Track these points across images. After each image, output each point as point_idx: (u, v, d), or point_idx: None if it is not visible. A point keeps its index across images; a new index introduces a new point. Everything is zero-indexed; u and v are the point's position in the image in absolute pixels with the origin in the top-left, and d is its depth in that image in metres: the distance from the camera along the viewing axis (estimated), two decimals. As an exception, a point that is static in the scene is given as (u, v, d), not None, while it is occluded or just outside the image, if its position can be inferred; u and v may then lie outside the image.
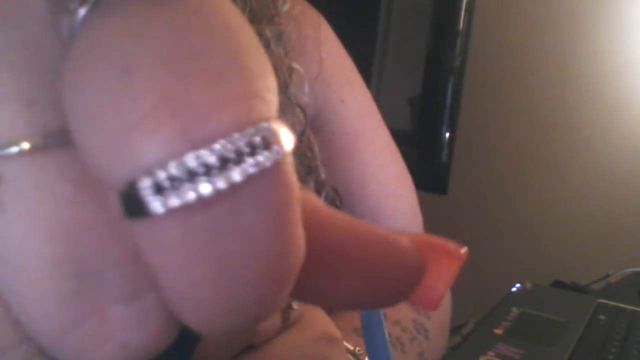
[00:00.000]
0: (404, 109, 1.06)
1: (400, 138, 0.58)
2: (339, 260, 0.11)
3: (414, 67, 1.03)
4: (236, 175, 0.09)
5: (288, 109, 0.47)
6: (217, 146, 0.09)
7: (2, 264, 0.09)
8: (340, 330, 0.28)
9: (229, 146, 0.09)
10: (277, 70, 0.46)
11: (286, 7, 0.48)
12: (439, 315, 0.53)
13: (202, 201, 0.09)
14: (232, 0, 0.10)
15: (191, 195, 0.09)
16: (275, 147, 0.09)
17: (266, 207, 0.09)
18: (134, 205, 0.09)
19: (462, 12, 0.97)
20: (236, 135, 0.09)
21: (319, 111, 0.52)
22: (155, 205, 0.09)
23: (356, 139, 0.53)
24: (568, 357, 0.53)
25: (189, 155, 0.08)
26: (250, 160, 0.09)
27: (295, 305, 0.25)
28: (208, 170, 0.09)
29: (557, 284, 0.78)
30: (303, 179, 0.48)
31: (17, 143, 0.09)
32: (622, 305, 0.66)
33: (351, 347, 0.32)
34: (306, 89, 0.50)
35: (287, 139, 0.09)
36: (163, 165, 0.08)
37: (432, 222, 0.56)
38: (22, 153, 0.09)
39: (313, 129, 0.52)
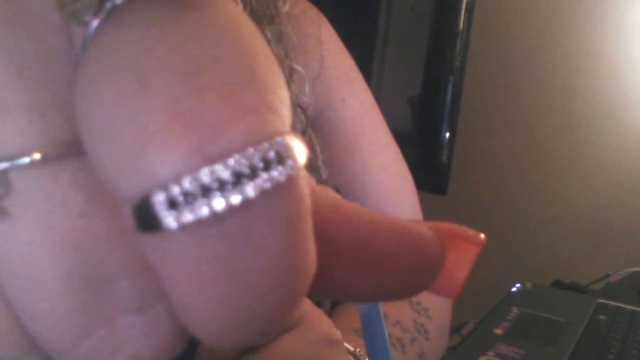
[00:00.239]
0: (404, 109, 1.06)
1: (400, 138, 0.58)
2: (362, 253, 0.11)
3: (414, 67, 1.03)
4: (250, 190, 0.09)
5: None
6: (231, 161, 0.08)
7: (12, 274, 0.09)
8: (340, 330, 0.28)
9: (244, 161, 0.09)
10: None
11: (286, 7, 0.48)
12: (439, 315, 0.53)
13: (215, 216, 0.09)
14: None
15: (205, 211, 0.08)
16: (289, 162, 0.09)
17: (279, 221, 0.09)
18: (147, 220, 0.09)
19: (462, 12, 0.97)
20: (250, 150, 0.09)
21: (320, 110, 0.52)
22: (169, 220, 0.08)
23: (357, 139, 0.53)
24: (568, 357, 0.53)
25: (204, 171, 0.08)
26: (264, 176, 0.09)
27: None
28: (222, 186, 0.08)
29: (557, 284, 0.78)
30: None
31: (28, 154, 0.09)
32: (622, 305, 0.66)
33: (351, 348, 0.32)
34: (307, 89, 0.50)
35: (300, 153, 0.09)
36: (177, 180, 0.08)
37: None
38: (33, 164, 0.09)
39: (314, 128, 0.52)
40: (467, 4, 0.97)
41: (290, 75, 0.47)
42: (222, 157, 0.08)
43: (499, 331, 0.57)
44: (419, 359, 0.47)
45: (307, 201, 0.10)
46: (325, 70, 0.52)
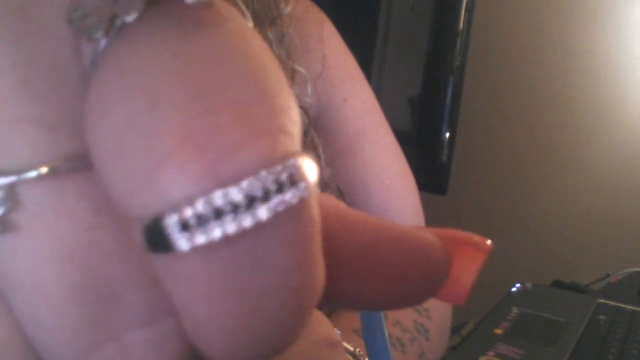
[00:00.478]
0: (404, 109, 1.06)
1: (400, 138, 0.58)
2: (367, 262, 0.11)
3: (414, 67, 1.02)
4: (263, 213, 0.09)
5: None
6: (244, 184, 0.08)
7: (18, 288, 0.09)
8: (340, 330, 0.28)
9: (257, 184, 0.08)
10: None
11: (288, 9, 0.48)
12: (439, 315, 0.53)
13: (226, 238, 0.09)
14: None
15: (217, 233, 0.08)
16: (301, 184, 0.09)
17: (289, 241, 0.09)
18: (158, 240, 0.08)
19: (462, 12, 0.97)
20: (263, 173, 0.09)
21: (322, 110, 0.52)
22: (181, 242, 0.08)
23: (359, 138, 0.53)
24: (568, 357, 0.53)
25: (217, 194, 0.08)
26: (277, 198, 0.09)
27: None
28: (234, 208, 0.08)
29: (557, 284, 0.78)
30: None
31: (36, 167, 0.09)
32: (622, 305, 0.66)
33: (351, 348, 0.32)
34: (309, 90, 0.50)
35: (311, 173, 0.09)
36: (190, 202, 0.08)
37: (432, 222, 0.56)
38: (40, 177, 0.09)
39: (315, 128, 0.52)
40: (467, 4, 0.97)
41: (292, 76, 0.47)
42: (234, 180, 0.08)
43: (499, 331, 0.57)
44: (419, 359, 0.47)
45: (318, 220, 0.10)
46: (327, 69, 0.52)
